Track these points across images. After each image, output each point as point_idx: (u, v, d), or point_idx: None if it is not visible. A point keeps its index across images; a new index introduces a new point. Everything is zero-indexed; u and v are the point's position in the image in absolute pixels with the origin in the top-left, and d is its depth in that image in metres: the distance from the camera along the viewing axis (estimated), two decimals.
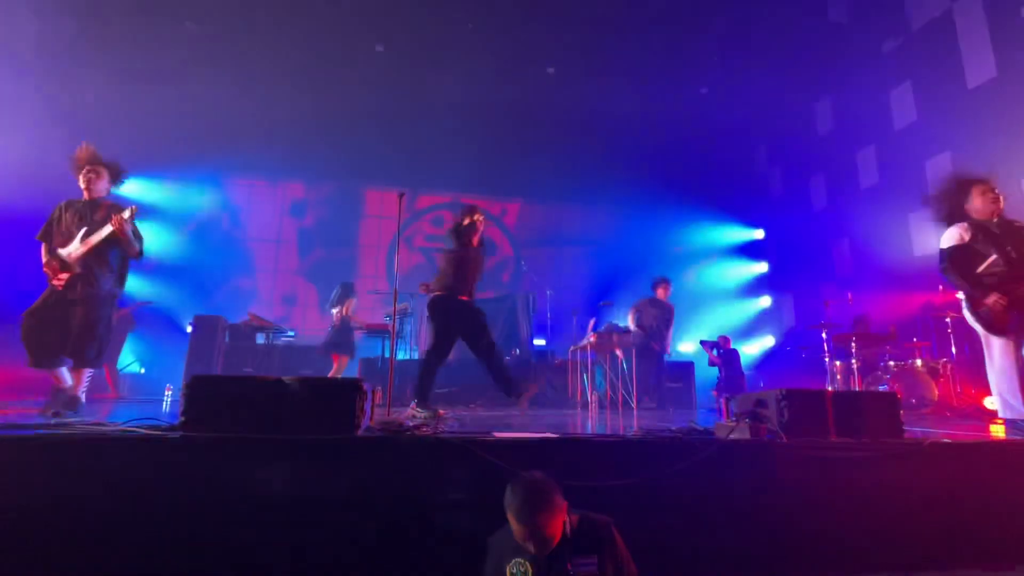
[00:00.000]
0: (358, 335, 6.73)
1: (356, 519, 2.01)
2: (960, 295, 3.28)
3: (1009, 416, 3.10)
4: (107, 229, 3.23)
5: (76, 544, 1.88)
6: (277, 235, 10.09)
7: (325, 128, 9.30)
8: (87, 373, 3.38)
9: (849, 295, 7.27)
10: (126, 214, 3.28)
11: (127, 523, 1.91)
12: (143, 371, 8.40)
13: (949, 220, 3.31)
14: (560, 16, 8.01)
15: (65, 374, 3.27)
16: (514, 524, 1.61)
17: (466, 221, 4.02)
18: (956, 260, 3.16)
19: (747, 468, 2.25)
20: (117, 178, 3.54)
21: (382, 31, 8.31)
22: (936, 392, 5.49)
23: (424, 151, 9.75)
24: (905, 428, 2.59)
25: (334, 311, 6.59)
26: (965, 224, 3.22)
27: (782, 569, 2.16)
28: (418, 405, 3.67)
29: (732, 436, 2.35)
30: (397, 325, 6.19)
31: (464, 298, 3.95)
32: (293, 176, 10.12)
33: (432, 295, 3.96)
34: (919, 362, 5.81)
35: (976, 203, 3.20)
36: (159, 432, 2.09)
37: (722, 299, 10.95)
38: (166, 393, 6.09)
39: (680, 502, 2.17)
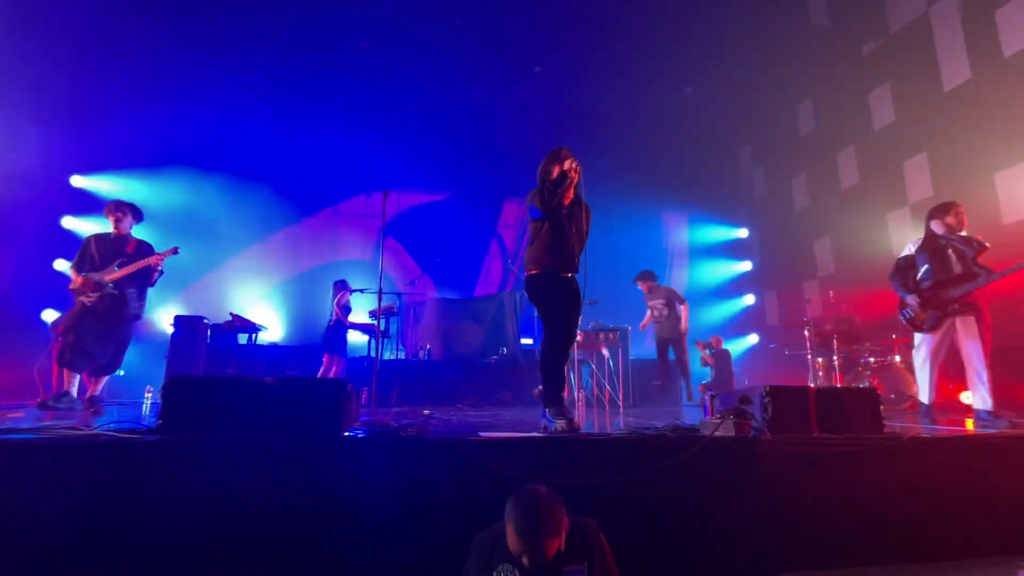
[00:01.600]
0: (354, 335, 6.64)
1: (340, 521, 1.99)
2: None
3: (924, 400, 3.79)
4: (144, 263, 4.08)
5: (48, 551, 1.82)
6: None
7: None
8: (105, 379, 4.19)
9: (831, 293, 7.39)
10: (168, 254, 4.26)
11: (103, 529, 1.86)
12: (122, 373, 8.21)
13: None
14: (546, 16, 8.02)
15: (78, 379, 3.99)
16: (512, 537, 1.55)
17: (555, 172, 2.85)
18: (899, 269, 3.89)
19: (732, 464, 2.27)
20: (138, 218, 4.36)
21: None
22: (915, 388, 5.60)
23: (406, 149, 9.72)
24: (885, 423, 2.64)
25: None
26: (917, 241, 3.86)
27: (768, 563, 2.18)
28: (551, 413, 2.66)
29: (717, 433, 2.37)
30: (382, 324, 6.15)
31: (565, 275, 2.90)
32: None
33: (527, 274, 2.95)
34: (898, 358, 5.94)
35: (949, 220, 3.70)
36: (136, 435, 2.04)
37: (706, 298, 11.07)
38: (146, 395, 5.96)
39: (666, 499, 2.18)
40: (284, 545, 1.93)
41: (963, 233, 3.68)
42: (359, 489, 2.04)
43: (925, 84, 7.11)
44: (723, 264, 11.28)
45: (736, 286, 11.14)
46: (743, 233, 11.30)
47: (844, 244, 8.53)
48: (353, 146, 9.72)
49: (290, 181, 9.82)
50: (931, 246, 3.73)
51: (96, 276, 3.97)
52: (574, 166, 2.88)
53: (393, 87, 9.15)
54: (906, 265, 3.86)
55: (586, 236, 3.05)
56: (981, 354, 3.46)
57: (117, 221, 4.21)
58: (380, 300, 4.06)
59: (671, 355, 6.74)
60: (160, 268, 4.26)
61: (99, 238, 4.19)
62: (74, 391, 4.00)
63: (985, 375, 3.47)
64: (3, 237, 6.88)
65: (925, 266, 3.73)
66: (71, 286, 4.02)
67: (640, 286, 7.03)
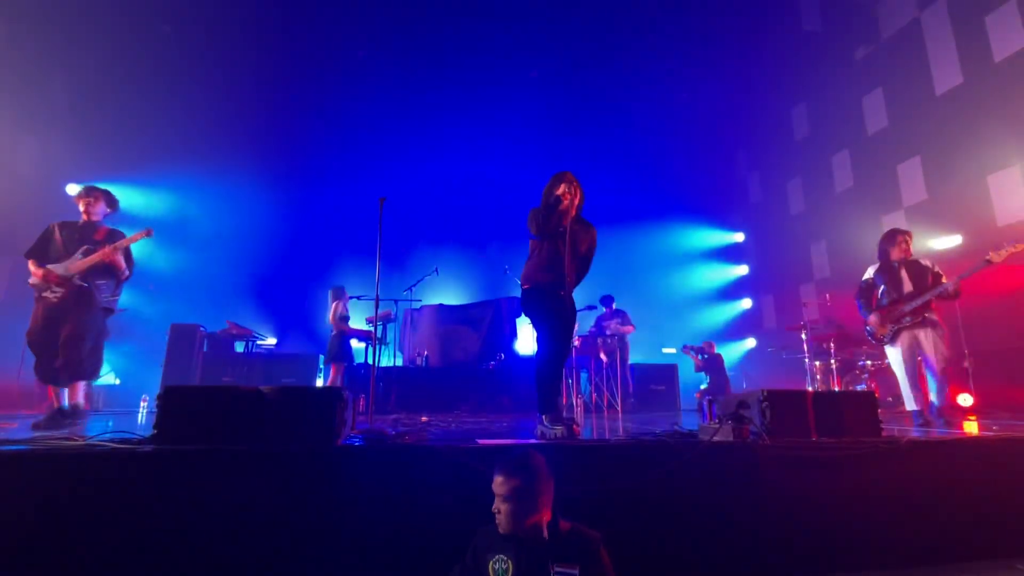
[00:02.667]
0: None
1: (337, 530, 1.97)
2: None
3: (909, 407, 4.09)
4: (111, 248, 3.54)
5: (42, 562, 1.79)
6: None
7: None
8: (83, 385, 3.58)
9: (827, 296, 7.42)
10: (139, 236, 3.68)
11: (95, 540, 1.83)
12: (118, 382, 8.16)
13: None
14: (542, 21, 8.07)
15: (62, 390, 3.47)
16: (495, 488, 1.64)
17: (556, 191, 2.99)
18: (862, 290, 4.35)
19: (731, 469, 2.26)
20: (112, 205, 3.86)
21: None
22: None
23: (404, 154, 9.74)
24: (883, 426, 2.64)
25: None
26: (876, 265, 4.31)
27: (766, 569, 2.17)
28: (548, 420, 2.76)
29: (716, 438, 2.36)
30: (379, 331, 6.12)
31: (559, 292, 2.99)
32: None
33: (522, 288, 3.12)
34: None
35: (894, 247, 4.22)
36: (131, 446, 2.02)
37: (703, 302, 11.10)
38: (141, 405, 5.91)
39: (665, 505, 2.17)
40: (280, 555, 1.91)
41: (924, 261, 4.16)
42: (355, 497, 2.02)
43: (917, 88, 7.18)
44: (719, 268, 11.31)
45: (732, 290, 11.17)
46: (739, 237, 11.35)
47: (840, 247, 8.57)
48: (351, 152, 9.73)
49: (288, 187, 9.83)
50: (887, 269, 4.22)
51: (60, 268, 3.47)
52: (568, 191, 2.99)
53: (389, 93, 9.18)
54: (867, 287, 4.32)
55: (588, 257, 3.16)
56: (934, 362, 3.91)
57: (88, 206, 3.71)
58: (377, 307, 4.05)
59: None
60: (117, 261, 3.61)
61: (64, 225, 3.66)
62: (67, 402, 3.51)
63: (938, 380, 3.91)
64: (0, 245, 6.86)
65: (882, 287, 4.22)
66: (31, 281, 3.50)
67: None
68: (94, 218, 3.73)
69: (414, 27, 8.07)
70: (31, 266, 3.51)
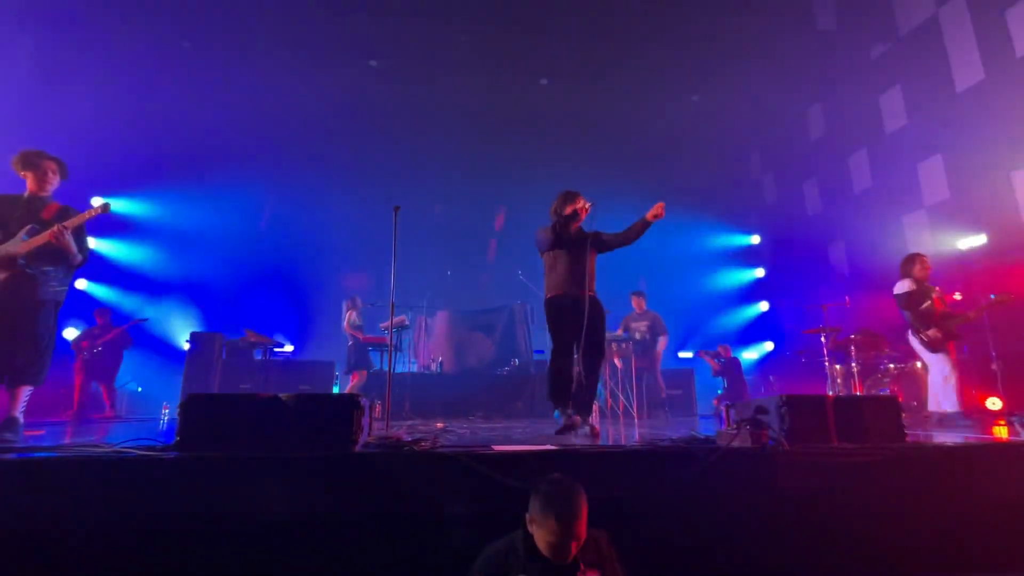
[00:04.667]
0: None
1: (356, 536, 1.98)
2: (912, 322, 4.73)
3: (952, 410, 4.39)
4: (60, 228, 2.88)
5: (71, 567, 1.84)
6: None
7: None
8: (26, 391, 2.90)
9: (847, 298, 7.27)
10: (92, 213, 3.04)
11: (123, 546, 1.88)
12: (140, 389, 8.34)
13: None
14: (553, 25, 8.11)
15: (14, 403, 2.87)
16: (546, 526, 1.57)
17: (567, 210, 3.51)
18: (914, 303, 4.69)
19: (749, 476, 2.23)
20: (64, 174, 3.21)
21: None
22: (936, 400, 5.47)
23: (412, 158, 9.84)
24: (907, 431, 2.57)
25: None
26: (911, 279, 4.77)
27: None
28: (559, 412, 3.36)
29: (733, 444, 2.33)
30: (395, 338, 6.17)
31: (577, 295, 3.44)
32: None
33: (545, 298, 3.60)
34: (919, 364, 5.79)
35: (917, 268, 4.78)
36: (155, 452, 2.07)
37: (720, 305, 10.96)
38: (163, 412, 6.04)
39: (682, 511, 2.14)
40: (300, 560, 1.94)
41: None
42: (373, 503, 2.04)
43: (937, 85, 7.04)
44: (735, 271, 11.18)
45: (748, 293, 11.02)
46: (755, 239, 11.21)
47: (859, 248, 8.41)
48: (367, 159, 9.84)
49: (302, 195, 9.98)
50: (922, 288, 4.71)
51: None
52: (585, 206, 3.54)
53: (404, 98, 9.29)
54: (916, 300, 4.70)
55: (593, 262, 3.60)
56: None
57: (40, 178, 3.05)
58: (392, 313, 4.08)
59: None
60: (70, 242, 2.93)
61: (5, 199, 3.03)
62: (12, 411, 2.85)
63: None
64: None
65: (928, 302, 4.67)
66: None
67: (634, 303, 7.02)
68: (43, 192, 3.08)
69: (422, 33, 8.16)
70: None
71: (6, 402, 2.87)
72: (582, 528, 1.59)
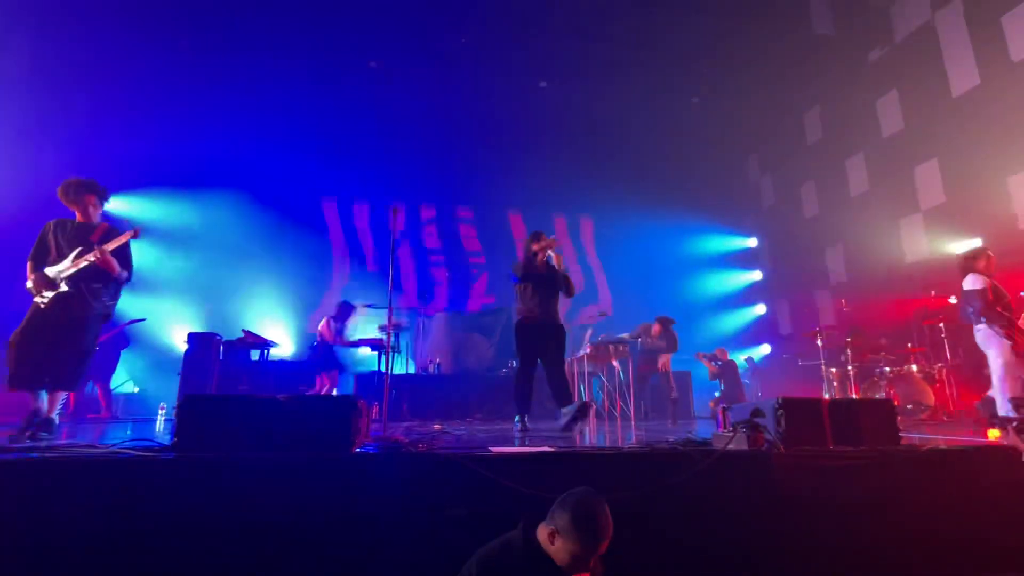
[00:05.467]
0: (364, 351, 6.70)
1: (353, 537, 1.99)
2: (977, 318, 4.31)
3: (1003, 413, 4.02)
4: (100, 252, 3.21)
5: (67, 568, 1.84)
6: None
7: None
8: (62, 395, 3.26)
9: (843, 301, 7.31)
10: (125, 238, 3.37)
11: (120, 547, 1.88)
12: (137, 390, 8.31)
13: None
14: (552, 27, 8.12)
15: (44, 397, 3.16)
16: (577, 543, 1.55)
17: (532, 248, 4.25)
18: (990, 303, 4.24)
19: (745, 478, 2.24)
20: (105, 199, 3.58)
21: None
22: (932, 397, 5.50)
23: (413, 161, 9.86)
24: (902, 434, 2.59)
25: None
26: (980, 277, 4.31)
27: None
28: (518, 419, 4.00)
29: (730, 447, 2.34)
30: (392, 339, 6.17)
31: (544, 321, 4.15)
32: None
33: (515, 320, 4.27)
34: (914, 367, 5.83)
35: (982, 264, 4.35)
36: (152, 454, 2.07)
37: (717, 308, 10.99)
38: (160, 412, 6.02)
39: (679, 514, 2.15)
40: (297, 561, 1.94)
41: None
42: (371, 505, 2.04)
43: (933, 90, 7.08)
44: (732, 274, 11.20)
45: (746, 296, 11.05)
46: (752, 242, 11.24)
47: (856, 251, 8.45)
48: (365, 162, 9.85)
49: (301, 196, 9.98)
50: (992, 284, 4.35)
51: (52, 271, 3.21)
52: (542, 246, 4.18)
53: (403, 105, 9.30)
54: (994, 299, 4.34)
55: (562, 291, 4.23)
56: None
57: (83, 210, 3.42)
58: (390, 315, 4.09)
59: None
60: (113, 262, 3.31)
61: (60, 224, 3.39)
62: (44, 408, 3.15)
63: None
64: (19, 257, 7.03)
65: (1005, 299, 4.34)
66: (27, 285, 3.27)
67: (655, 328, 6.72)
68: (92, 218, 3.46)
69: (423, 36, 8.17)
70: (28, 270, 3.29)
71: (27, 400, 3.13)
72: (601, 549, 1.57)
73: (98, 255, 3.21)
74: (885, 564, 2.20)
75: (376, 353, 6.91)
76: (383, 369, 6.12)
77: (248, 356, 7.09)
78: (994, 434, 3.42)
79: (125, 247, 3.44)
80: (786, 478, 2.24)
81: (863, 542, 2.21)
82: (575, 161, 10.04)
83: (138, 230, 3.48)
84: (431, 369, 7.38)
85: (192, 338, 6.80)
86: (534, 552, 1.60)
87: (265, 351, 7.12)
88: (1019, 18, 6.04)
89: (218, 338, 6.93)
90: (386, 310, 4.02)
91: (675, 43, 8.39)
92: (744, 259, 11.20)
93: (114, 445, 2.26)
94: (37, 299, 3.20)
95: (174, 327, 8.69)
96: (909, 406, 5.50)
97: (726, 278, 11.19)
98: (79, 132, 8.03)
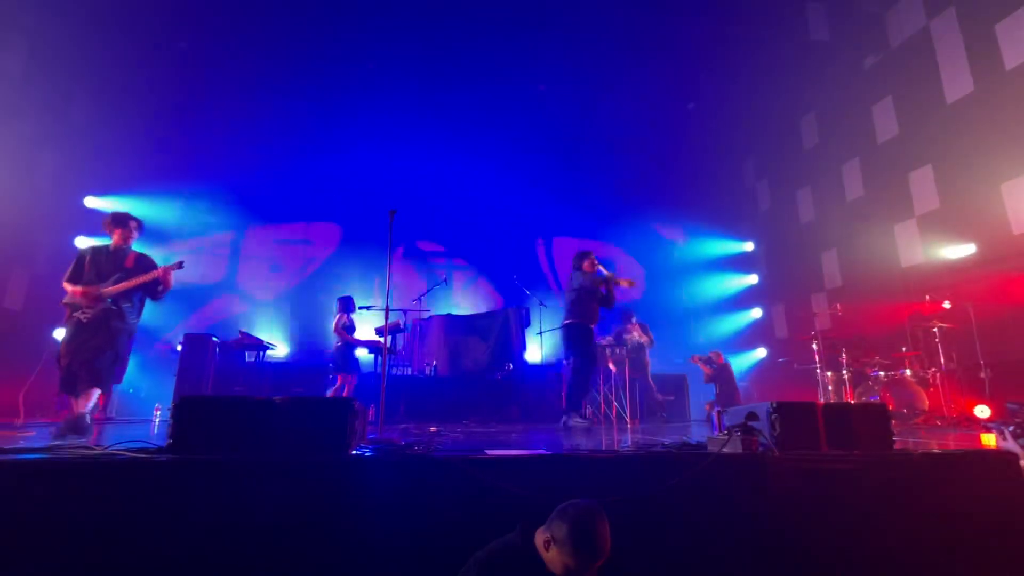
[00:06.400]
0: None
1: (349, 539, 1.99)
2: None
3: None
4: (146, 277, 3.79)
5: (63, 569, 1.83)
6: None
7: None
8: (96, 393, 3.67)
9: (839, 306, 7.34)
10: (174, 267, 3.92)
11: (114, 548, 1.87)
12: (132, 391, 8.27)
13: None
14: (549, 33, 8.15)
15: (83, 400, 3.58)
16: (574, 556, 1.53)
17: (584, 264, 5.07)
18: None
19: (740, 482, 2.25)
20: (141, 230, 4.08)
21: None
22: (926, 401, 5.54)
23: (412, 167, 9.87)
24: (896, 438, 2.60)
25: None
26: None
27: None
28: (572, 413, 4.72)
29: (724, 450, 2.36)
30: (389, 342, 6.16)
31: (592, 325, 4.98)
32: None
33: (571, 323, 4.95)
34: (909, 372, 5.86)
35: None
36: (147, 455, 2.06)
37: (713, 312, 11.02)
38: (155, 413, 5.99)
39: (673, 517, 2.16)
40: (292, 564, 1.93)
41: None
42: (366, 507, 2.04)
43: (928, 97, 7.14)
44: (728, 278, 11.24)
45: (742, 299, 11.09)
46: (748, 246, 11.28)
47: (851, 256, 8.49)
48: (362, 165, 9.87)
49: (299, 199, 9.97)
50: None
51: (98, 288, 3.69)
52: (593, 262, 5.02)
53: (403, 109, 9.32)
54: None
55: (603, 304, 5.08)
56: None
57: (126, 235, 3.92)
58: (387, 317, 4.09)
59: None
60: (168, 283, 3.93)
61: (96, 251, 3.89)
62: (78, 409, 3.58)
63: None
64: (18, 257, 7.02)
65: None
66: (66, 299, 3.70)
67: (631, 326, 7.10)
68: (125, 245, 3.94)
69: (422, 39, 8.20)
70: (68, 286, 3.72)
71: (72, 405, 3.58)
72: (599, 564, 1.56)
73: (161, 273, 3.86)
74: (879, 567, 2.21)
75: (372, 355, 6.91)
76: (380, 371, 6.11)
77: (244, 357, 7.08)
78: (988, 439, 3.44)
79: (166, 272, 4.00)
80: (780, 481, 2.25)
81: (857, 545, 2.22)
82: (572, 164, 10.08)
83: (182, 262, 4.01)
84: (428, 371, 7.37)
85: (188, 339, 6.78)
86: (532, 556, 1.60)
87: (261, 352, 7.11)
88: (1012, 26, 6.10)
89: (214, 339, 6.92)
90: (382, 312, 4.03)
91: (671, 49, 8.44)
92: (740, 263, 11.24)
93: (110, 446, 2.26)
94: (77, 314, 3.63)
95: (170, 328, 8.66)
96: (904, 410, 5.53)
97: (722, 282, 11.23)
98: (79, 130, 7.99)
